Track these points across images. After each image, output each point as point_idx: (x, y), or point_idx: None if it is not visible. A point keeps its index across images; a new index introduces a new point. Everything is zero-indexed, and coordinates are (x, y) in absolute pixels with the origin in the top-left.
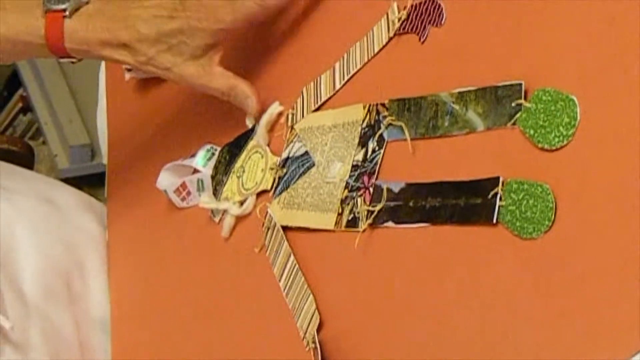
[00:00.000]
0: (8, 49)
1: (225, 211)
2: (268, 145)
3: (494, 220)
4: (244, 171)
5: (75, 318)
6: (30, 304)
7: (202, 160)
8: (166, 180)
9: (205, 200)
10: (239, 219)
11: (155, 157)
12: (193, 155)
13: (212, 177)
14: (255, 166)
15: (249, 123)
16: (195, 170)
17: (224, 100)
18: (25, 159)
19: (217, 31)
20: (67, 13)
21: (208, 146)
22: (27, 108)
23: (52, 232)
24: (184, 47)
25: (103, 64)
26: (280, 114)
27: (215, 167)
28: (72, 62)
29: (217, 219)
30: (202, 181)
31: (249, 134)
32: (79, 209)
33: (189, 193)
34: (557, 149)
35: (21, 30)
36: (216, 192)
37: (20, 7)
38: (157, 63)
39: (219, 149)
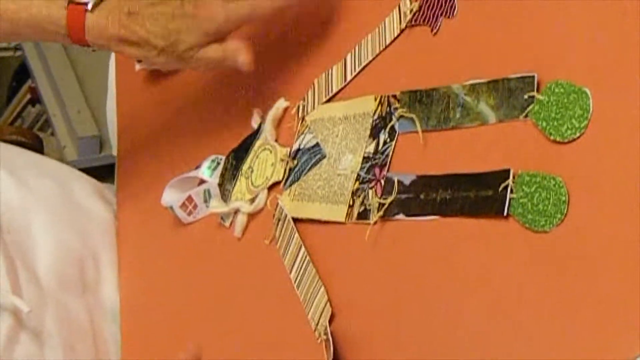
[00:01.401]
0: (29, 32)
1: (236, 212)
2: (276, 140)
3: (505, 213)
4: (252, 171)
5: (88, 307)
6: (45, 290)
7: (208, 171)
8: (171, 196)
9: (215, 205)
10: (251, 216)
11: (164, 147)
12: (198, 167)
13: (220, 185)
14: (265, 162)
15: (255, 124)
16: (201, 182)
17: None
18: (34, 150)
19: (210, 30)
20: (89, 7)
21: (212, 157)
22: (35, 99)
23: (66, 219)
24: (182, 44)
25: (113, 55)
26: (286, 110)
27: (222, 175)
28: (94, 50)
29: (227, 223)
30: (208, 191)
31: (254, 135)
32: (92, 197)
33: (195, 206)
34: (569, 142)
35: (43, 19)
36: (225, 198)
37: None
38: (162, 59)
39: (223, 158)
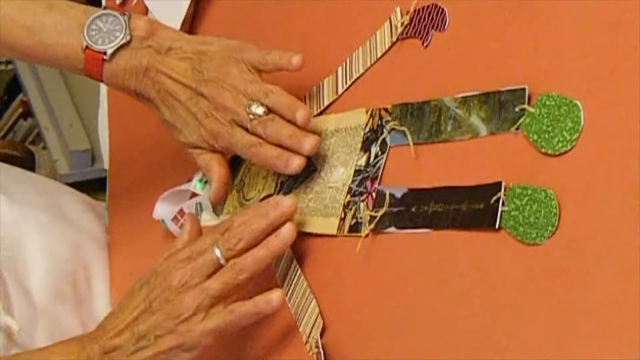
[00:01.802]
0: (43, 63)
1: None
2: None
3: (497, 226)
4: (243, 184)
5: (81, 319)
6: (38, 304)
7: (200, 184)
8: (163, 209)
9: (207, 218)
10: None
11: (156, 160)
12: (189, 180)
13: None
14: (256, 176)
15: None
16: (193, 195)
17: None
18: (26, 164)
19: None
20: (107, 57)
21: None
22: (27, 113)
23: (57, 232)
24: (181, 137)
25: None
26: None
27: None
28: None
29: None
30: (200, 204)
31: None
32: (82, 212)
33: None
34: (560, 154)
35: (60, 58)
36: (216, 211)
37: (60, 30)
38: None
39: None
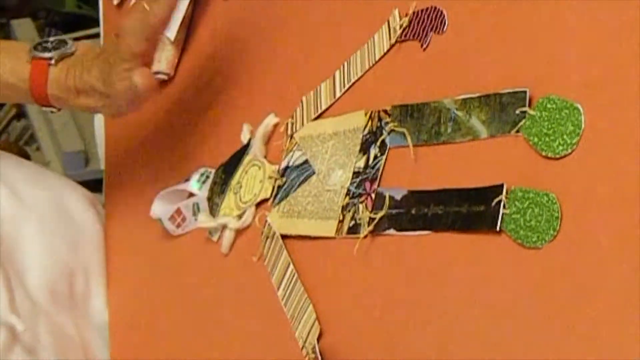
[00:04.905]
0: None
1: (224, 227)
2: (265, 157)
3: (498, 228)
4: (240, 186)
5: (76, 322)
6: (36, 303)
7: (197, 184)
8: (160, 208)
9: (203, 219)
10: (239, 232)
11: (153, 159)
12: (187, 180)
13: (208, 199)
14: (253, 179)
15: (244, 139)
16: (190, 195)
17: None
18: None
19: (134, 48)
20: (52, 61)
21: (202, 169)
22: (21, 114)
23: (58, 231)
24: (114, 75)
25: None
26: (276, 126)
27: (211, 189)
28: (52, 112)
29: (215, 238)
30: (197, 204)
31: (243, 150)
32: (86, 210)
33: (184, 219)
34: (561, 157)
35: (7, 72)
36: (213, 212)
37: (8, 51)
38: (107, 102)
39: (213, 171)
